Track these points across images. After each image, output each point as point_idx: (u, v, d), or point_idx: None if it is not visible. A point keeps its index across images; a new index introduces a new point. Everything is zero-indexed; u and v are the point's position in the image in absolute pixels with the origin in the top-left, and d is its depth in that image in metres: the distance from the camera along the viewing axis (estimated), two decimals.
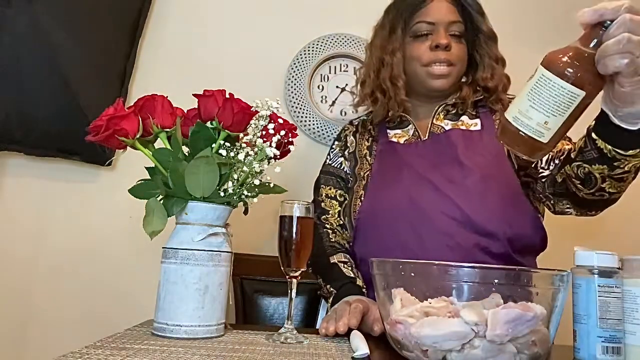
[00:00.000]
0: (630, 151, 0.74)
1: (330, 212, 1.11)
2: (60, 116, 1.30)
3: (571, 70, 0.62)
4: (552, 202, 0.97)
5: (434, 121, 1.09)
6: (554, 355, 0.74)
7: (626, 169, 0.77)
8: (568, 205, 0.95)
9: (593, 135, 0.77)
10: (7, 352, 1.33)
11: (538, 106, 0.64)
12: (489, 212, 0.94)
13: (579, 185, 0.86)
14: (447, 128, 1.07)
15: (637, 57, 0.60)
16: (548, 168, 0.96)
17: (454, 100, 1.10)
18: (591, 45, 0.63)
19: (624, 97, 0.66)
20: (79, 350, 0.61)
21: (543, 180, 0.97)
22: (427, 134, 1.08)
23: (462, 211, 0.94)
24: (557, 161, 0.94)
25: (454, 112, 1.10)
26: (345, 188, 1.13)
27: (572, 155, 0.84)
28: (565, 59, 0.63)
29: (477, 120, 1.08)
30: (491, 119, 1.07)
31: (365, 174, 1.09)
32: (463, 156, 1.00)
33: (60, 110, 1.29)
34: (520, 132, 0.66)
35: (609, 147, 0.75)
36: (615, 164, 0.77)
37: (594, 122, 0.76)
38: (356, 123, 1.20)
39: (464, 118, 1.08)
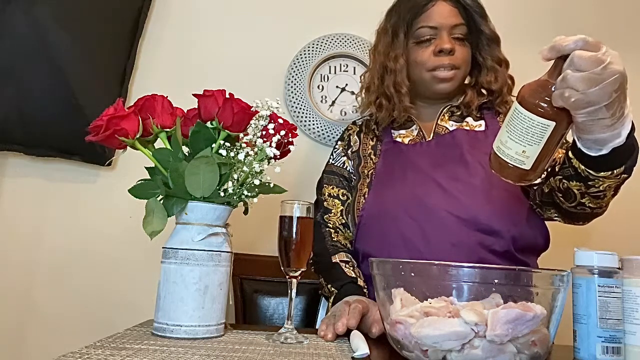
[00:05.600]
0: (602, 173, 0.76)
1: (332, 211, 1.11)
2: (60, 116, 1.30)
3: (540, 104, 0.66)
4: (541, 209, 0.98)
5: (439, 122, 1.09)
6: (554, 355, 0.74)
7: (601, 188, 0.79)
8: (556, 215, 0.96)
9: (569, 153, 0.78)
10: (6, 352, 1.33)
11: (514, 137, 0.69)
12: (494, 210, 0.95)
13: (561, 198, 0.88)
14: (451, 129, 1.08)
15: (581, 92, 0.62)
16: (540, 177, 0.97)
17: (458, 102, 1.10)
18: (556, 78, 0.66)
19: (581, 127, 0.68)
20: (79, 350, 0.61)
21: (535, 188, 0.98)
22: (432, 135, 1.08)
23: (466, 209, 0.95)
24: (549, 169, 0.94)
25: (458, 113, 1.10)
26: (348, 187, 1.13)
27: (557, 169, 0.85)
28: (534, 93, 0.67)
29: (482, 122, 1.08)
30: (495, 120, 1.08)
31: (370, 172, 1.09)
32: (468, 155, 1.01)
33: (60, 110, 1.29)
34: (505, 161, 0.71)
35: (582, 167, 0.77)
36: (590, 183, 0.78)
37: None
38: (359, 123, 1.21)
39: (469, 119, 1.09)
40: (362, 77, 1.19)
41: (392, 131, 1.12)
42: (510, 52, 1.11)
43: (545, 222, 1.02)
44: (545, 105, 0.66)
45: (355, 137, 1.18)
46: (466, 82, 1.11)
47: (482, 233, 0.94)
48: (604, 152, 0.71)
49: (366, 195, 1.06)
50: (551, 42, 0.65)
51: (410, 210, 0.97)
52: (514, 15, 1.54)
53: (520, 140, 0.68)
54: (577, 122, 0.67)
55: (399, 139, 1.11)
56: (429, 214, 0.96)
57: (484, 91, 1.10)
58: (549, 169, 0.92)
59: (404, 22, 1.06)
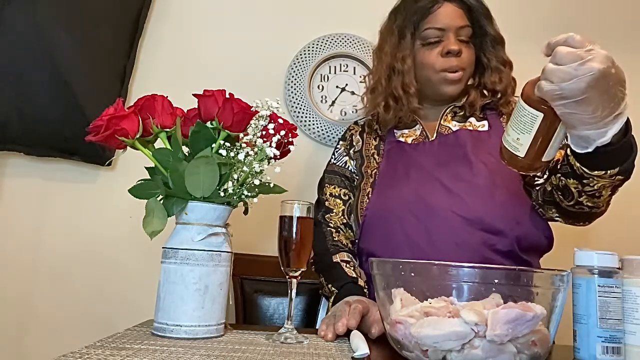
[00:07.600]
0: (596, 172, 0.76)
1: (334, 210, 1.11)
2: (60, 116, 1.29)
3: (531, 95, 0.70)
4: (543, 209, 0.98)
5: (442, 122, 1.09)
6: (554, 355, 0.74)
7: (596, 187, 0.80)
8: (557, 215, 0.97)
9: (568, 150, 0.79)
10: (6, 352, 1.33)
11: (513, 125, 0.74)
12: (498, 210, 0.95)
13: (560, 197, 0.89)
14: (454, 129, 1.08)
15: (555, 84, 0.64)
16: (542, 177, 0.97)
17: (462, 102, 1.10)
18: None
19: (564, 121, 0.69)
20: (79, 350, 0.61)
21: (537, 188, 0.98)
22: (435, 135, 1.08)
23: (470, 209, 0.95)
24: (551, 167, 0.94)
25: (461, 114, 1.10)
26: (350, 187, 1.13)
27: (558, 167, 0.86)
28: (531, 85, 0.71)
29: (485, 122, 1.09)
30: (499, 120, 1.08)
31: (373, 172, 1.09)
32: (472, 155, 1.01)
33: (60, 110, 1.29)
34: (504, 147, 0.76)
35: (578, 164, 0.78)
36: (585, 181, 0.79)
37: None
38: (362, 123, 1.20)
39: (472, 120, 1.09)
40: (366, 78, 1.19)
41: (395, 131, 1.12)
42: (512, 53, 1.11)
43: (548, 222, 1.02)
44: (535, 96, 0.69)
45: (358, 136, 1.18)
46: (469, 82, 1.11)
47: (486, 232, 0.94)
48: (589, 149, 0.71)
49: (370, 195, 1.06)
50: (549, 40, 0.67)
51: (414, 210, 0.97)
52: (514, 17, 1.54)
53: (516, 128, 0.73)
54: (559, 115, 0.68)
55: (402, 139, 1.11)
56: (433, 214, 0.96)
57: (486, 92, 1.10)
58: (551, 167, 0.92)
59: (410, 23, 1.05)
